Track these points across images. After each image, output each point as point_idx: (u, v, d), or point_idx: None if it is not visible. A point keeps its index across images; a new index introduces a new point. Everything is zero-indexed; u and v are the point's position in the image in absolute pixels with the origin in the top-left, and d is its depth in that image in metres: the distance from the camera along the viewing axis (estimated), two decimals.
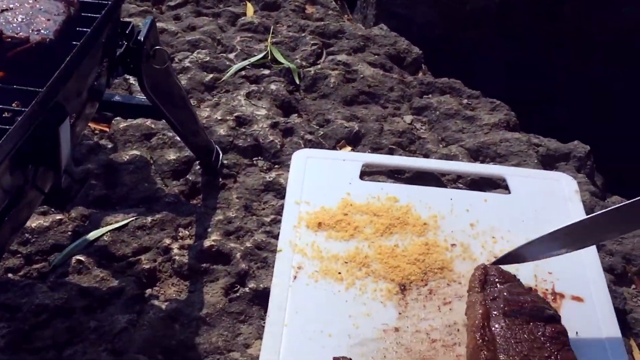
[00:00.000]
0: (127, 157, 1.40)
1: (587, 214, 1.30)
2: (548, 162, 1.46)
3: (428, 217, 1.28)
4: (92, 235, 1.24)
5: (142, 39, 1.08)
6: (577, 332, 1.09)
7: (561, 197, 1.33)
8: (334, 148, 1.47)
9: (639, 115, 1.91)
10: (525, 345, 1.02)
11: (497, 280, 1.11)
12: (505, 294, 1.08)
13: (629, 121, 1.91)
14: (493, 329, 1.04)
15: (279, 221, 1.25)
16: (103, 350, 1.07)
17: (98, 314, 1.12)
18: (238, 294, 1.15)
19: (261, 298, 1.14)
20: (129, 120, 1.47)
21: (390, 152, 1.46)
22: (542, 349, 1.01)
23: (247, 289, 1.16)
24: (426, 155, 1.46)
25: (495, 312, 1.06)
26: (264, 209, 1.32)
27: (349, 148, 1.48)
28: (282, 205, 1.28)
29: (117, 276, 1.18)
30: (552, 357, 1.01)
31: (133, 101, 1.33)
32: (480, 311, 1.06)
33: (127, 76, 1.59)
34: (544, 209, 1.31)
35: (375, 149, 1.47)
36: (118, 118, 1.48)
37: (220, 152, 1.39)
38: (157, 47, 1.11)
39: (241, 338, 1.10)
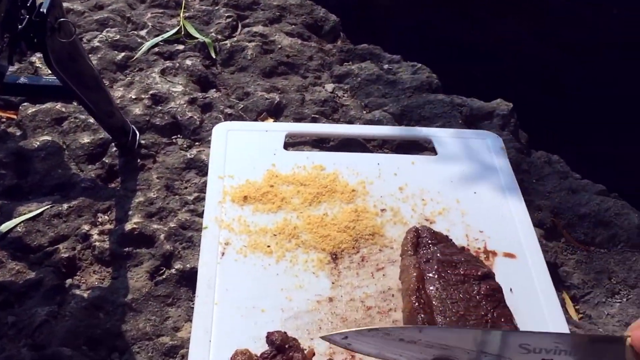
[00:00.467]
0: (38, 143, 1.32)
1: (514, 170, 1.30)
2: (472, 121, 1.45)
3: (356, 183, 1.25)
4: (5, 227, 1.17)
5: (45, 11, 1.01)
6: (511, 289, 1.08)
7: (488, 155, 1.32)
8: (255, 121, 1.43)
9: (557, 74, 1.92)
10: (461, 305, 1.00)
11: (429, 241, 1.09)
12: (438, 255, 1.07)
13: (549, 79, 1.93)
14: (428, 291, 1.02)
15: (203, 199, 1.20)
16: (23, 346, 1.00)
17: (15, 308, 1.05)
18: (164, 277, 1.10)
19: (189, 279, 1.09)
20: (37, 105, 1.39)
21: (314, 121, 1.43)
22: (478, 308, 1.00)
23: (173, 271, 1.11)
24: (350, 122, 1.44)
25: (429, 274, 1.04)
26: (186, 187, 1.27)
27: (271, 120, 1.44)
28: (205, 183, 1.23)
29: (34, 268, 1.11)
30: (489, 315, 1.00)
31: (41, 82, 1.25)
32: (414, 274, 1.04)
33: (33, 60, 1.50)
34: (472, 167, 1.30)
35: (298, 120, 1.43)
36: (26, 103, 1.40)
37: (137, 132, 1.33)
38: (62, 20, 1.04)
39: (170, 322, 1.05)
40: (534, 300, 1.07)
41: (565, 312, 1.14)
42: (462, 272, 1.04)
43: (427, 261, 1.07)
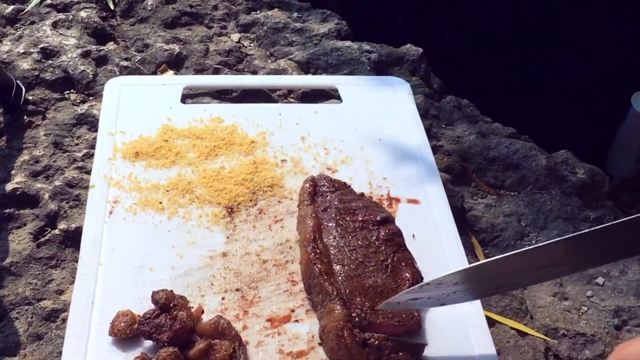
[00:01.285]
0: None
1: (422, 116, 1.26)
2: (381, 67, 1.40)
3: (256, 134, 1.19)
4: None
5: None
6: (413, 235, 1.04)
7: (394, 101, 1.28)
8: (154, 73, 1.36)
9: (471, 21, 1.88)
10: (360, 251, 0.96)
11: (327, 189, 1.05)
12: (336, 202, 1.02)
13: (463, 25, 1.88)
14: (325, 240, 0.98)
15: (93, 155, 1.13)
16: None
17: None
18: (47, 237, 1.03)
19: (74, 239, 1.03)
20: None
21: (216, 72, 1.36)
22: (377, 253, 0.96)
23: (57, 231, 1.04)
24: (254, 72, 1.37)
25: (327, 223, 1.00)
26: (77, 144, 1.19)
27: (172, 72, 1.37)
28: (96, 139, 1.16)
29: None
30: (389, 260, 0.96)
31: None
32: (311, 224, 0.99)
33: None
34: (377, 114, 1.25)
35: (200, 71, 1.36)
36: None
37: (23, 88, 1.24)
38: None
39: (53, 285, 0.98)
40: (437, 245, 1.04)
41: (474, 256, 1.11)
42: (360, 219, 1.00)
43: (324, 210, 1.02)
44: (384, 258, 0.96)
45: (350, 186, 1.08)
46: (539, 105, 1.55)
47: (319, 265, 0.94)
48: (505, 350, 0.95)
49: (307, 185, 1.05)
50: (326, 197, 1.04)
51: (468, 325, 0.94)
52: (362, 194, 1.08)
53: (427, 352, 0.89)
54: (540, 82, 1.63)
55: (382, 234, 0.98)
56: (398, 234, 1.00)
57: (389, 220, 1.01)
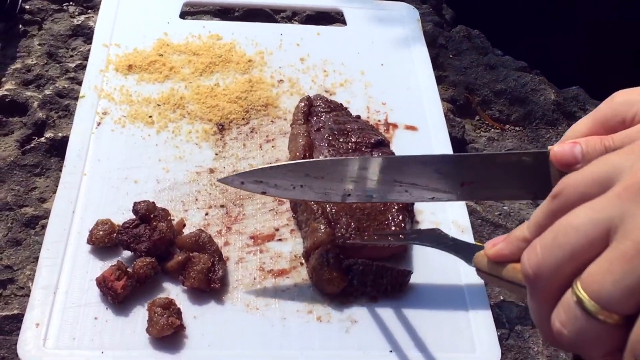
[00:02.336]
0: None
1: (429, 45, 1.21)
2: None
3: (254, 53, 1.16)
4: None
5: None
6: None
7: (401, 28, 1.23)
8: None
9: None
10: None
11: (322, 110, 1.01)
12: (330, 123, 0.99)
13: None
14: (314, 157, 0.94)
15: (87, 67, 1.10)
16: None
17: None
18: (33, 145, 1.01)
19: (60, 148, 1.00)
20: None
21: None
22: None
23: (43, 139, 1.02)
24: None
25: (318, 143, 0.96)
26: (71, 55, 1.16)
27: None
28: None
29: None
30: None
31: None
32: (302, 143, 0.96)
33: None
34: (381, 39, 1.21)
35: None
36: None
37: None
38: None
39: (36, 192, 0.96)
40: None
41: None
42: (353, 140, 0.97)
43: (317, 130, 0.99)
44: None
45: (347, 108, 1.04)
46: (557, 40, 1.49)
47: None
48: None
49: (302, 104, 1.02)
50: (321, 117, 1.00)
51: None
52: (359, 117, 1.04)
53: (413, 279, 0.87)
54: (561, 16, 1.57)
55: (375, 156, 0.95)
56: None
57: (383, 143, 0.97)
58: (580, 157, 0.62)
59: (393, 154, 0.97)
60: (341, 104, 1.04)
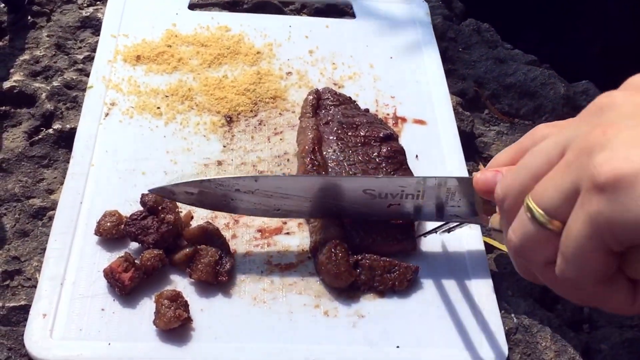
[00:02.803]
0: None
1: (439, 38, 1.21)
2: None
3: (263, 45, 1.15)
4: None
5: None
6: (417, 156, 1.00)
7: (410, 21, 1.22)
8: None
9: None
10: (359, 167, 0.93)
11: (330, 103, 1.01)
12: (339, 116, 0.98)
13: None
14: (324, 153, 0.94)
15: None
16: None
17: None
18: (41, 137, 1.01)
19: (68, 140, 1.00)
20: None
21: None
22: (377, 170, 0.93)
23: (51, 131, 1.01)
24: None
25: (327, 137, 0.96)
26: (79, 47, 1.16)
27: None
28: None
29: None
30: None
31: None
32: (311, 136, 0.96)
33: None
34: (391, 33, 1.20)
35: None
36: None
37: None
38: None
39: (44, 184, 0.96)
40: (440, 167, 1.00)
41: None
42: (362, 134, 0.96)
43: (326, 123, 0.98)
44: (384, 175, 0.93)
45: (355, 101, 1.04)
46: (566, 34, 1.48)
47: None
48: (501, 277, 0.92)
49: (311, 97, 1.01)
50: (329, 110, 1.00)
51: (465, 250, 0.90)
52: (367, 110, 1.04)
53: (420, 275, 0.86)
54: (572, 9, 1.56)
55: (384, 151, 0.95)
56: (400, 152, 0.96)
57: (392, 137, 0.97)
58: None
59: (402, 148, 0.96)
60: (350, 97, 1.04)
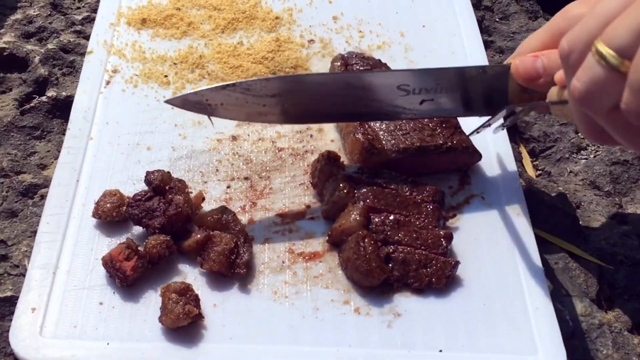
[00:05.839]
0: None
1: (473, 6, 1.10)
2: None
3: (282, 10, 1.04)
4: None
5: None
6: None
7: None
8: None
9: None
10: (414, 135, 0.83)
11: (361, 68, 0.90)
12: None
13: None
14: (373, 124, 0.83)
15: (95, 20, 0.99)
16: None
17: None
18: (33, 105, 0.90)
19: (64, 109, 0.90)
20: None
21: None
22: (433, 136, 0.83)
23: (45, 98, 0.91)
24: None
25: None
26: (78, 7, 1.05)
27: None
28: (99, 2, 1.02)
29: None
30: (448, 143, 0.82)
31: None
32: None
33: None
34: None
35: None
36: None
37: None
38: None
39: (35, 157, 0.86)
40: (484, 148, 0.89)
41: (521, 167, 0.96)
42: None
43: None
44: (442, 141, 0.83)
45: (385, 64, 0.93)
46: None
47: (374, 151, 0.81)
48: (554, 273, 0.81)
49: (338, 63, 0.90)
50: None
51: (513, 242, 0.79)
52: None
53: (461, 270, 0.76)
54: None
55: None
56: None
57: None
58: (542, 71, 0.66)
59: None
60: (379, 60, 0.92)
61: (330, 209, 0.78)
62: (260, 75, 0.93)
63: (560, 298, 0.78)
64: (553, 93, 0.65)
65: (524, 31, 1.12)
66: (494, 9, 1.15)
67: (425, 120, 0.84)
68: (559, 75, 0.62)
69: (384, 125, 0.83)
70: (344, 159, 0.83)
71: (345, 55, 0.91)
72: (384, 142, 0.82)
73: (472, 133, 0.84)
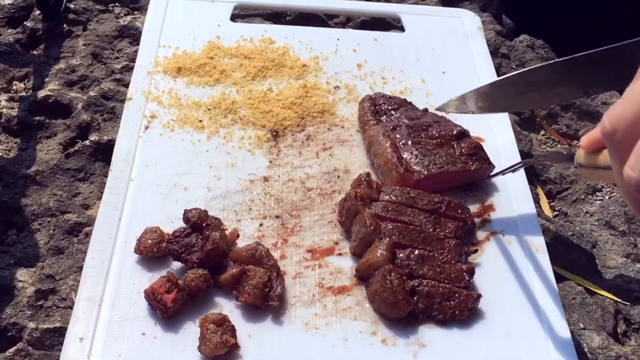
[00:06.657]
0: None
1: (492, 53, 1.15)
2: (450, 0, 1.29)
3: (309, 58, 1.10)
4: None
5: None
6: None
7: (462, 35, 1.16)
8: None
9: None
10: (447, 168, 0.91)
11: (389, 107, 0.95)
12: (404, 120, 0.94)
13: None
14: (407, 158, 0.89)
15: (133, 69, 1.05)
16: None
17: None
18: (77, 149, 0.95)
19: (106, 152, 0.95)
20: None
21: None
22: (466, 168, 0.90)
23: (87, 142, 0.96)
24: None
25: (401, 142, 0.91)
26: (117, 57, 1.11)
27: None
28: (138, 52, 1.08)
29: None
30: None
31: None
32: (388, 144, 0.90)
33: None
34: (443, 47, 1.14)
35: None
36: None
37: None
38: None
39: (79, 198, 0.91)
40: (502, 188, 0.93)
41: (538, 208, 1.00)
42: (436, 134, 0.92)
43: (394, 128, 0.93)
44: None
45: (410, 102, 0.98)
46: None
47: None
48: (571, 308, 0.85)
49: (367, 104, 0.96)
50: (391, 115, 0.95)
51: (533, 277, 0.83)
52: (426, 110, 0.98)
53: (483, 303, 0.79)
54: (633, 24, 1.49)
55: (465, 148, 0.91)
56: (479, 147, 0.92)
57: (465, 134, 0.94)
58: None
59: (478, 142, 0.92)
60: (404, 99, 0.98)
61: (358, 245, 0.82)
62: (293, 118, 0.99)
63: (578, 331, 0.81)
64: (580, 155, 0.65)
65: None
66: (510, 56, 1.20)
67: (457, 153, 0.91)
68: (586, 140, 0.62)
69: (417, 159, 0.89)
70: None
71: (373, 96, 0.97)
72: (418, 175, 0.88)
73: (496, 174, 0.89)
